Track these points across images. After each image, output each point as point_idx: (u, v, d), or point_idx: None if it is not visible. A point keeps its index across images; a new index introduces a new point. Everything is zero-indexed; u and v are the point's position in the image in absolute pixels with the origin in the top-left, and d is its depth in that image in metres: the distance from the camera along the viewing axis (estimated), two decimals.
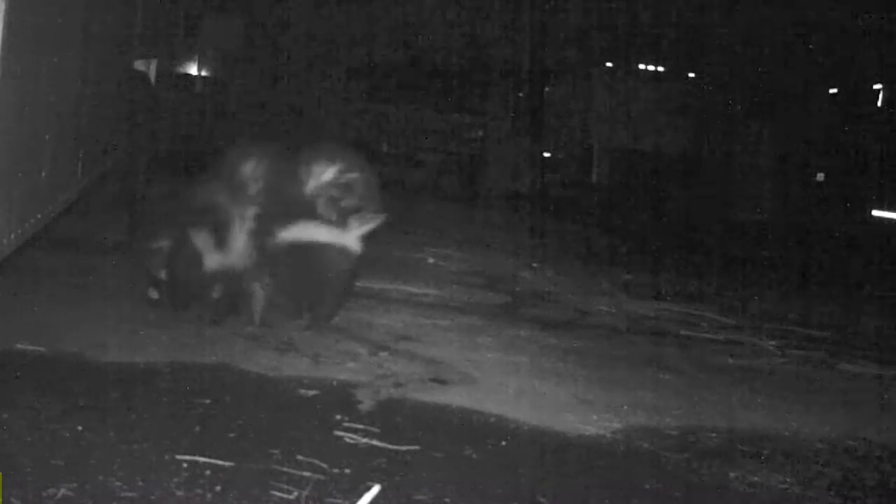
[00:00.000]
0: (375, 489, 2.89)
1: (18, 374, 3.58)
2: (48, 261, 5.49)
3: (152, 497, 2.66)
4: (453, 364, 4.65)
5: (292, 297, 4.98)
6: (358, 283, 5.75)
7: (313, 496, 2.81)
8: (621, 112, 20.35)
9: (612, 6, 20.18)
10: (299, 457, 3.08)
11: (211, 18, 18.91)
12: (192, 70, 19.95)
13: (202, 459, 2.94)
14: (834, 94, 19.39)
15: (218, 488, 2.77)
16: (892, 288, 9.39)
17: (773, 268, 10.50)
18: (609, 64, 21.09)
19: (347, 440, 3.35)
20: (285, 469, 2.97)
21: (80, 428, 3.04)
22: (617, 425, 3.96)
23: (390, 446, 3.32)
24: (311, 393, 3.86)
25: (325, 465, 3.04)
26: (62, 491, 2.60)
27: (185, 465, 2.90)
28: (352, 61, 21.00)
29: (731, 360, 5.59)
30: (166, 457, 2.94)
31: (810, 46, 18.58)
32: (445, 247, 8.99)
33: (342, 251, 4.90)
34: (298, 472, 2.96)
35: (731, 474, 3.54)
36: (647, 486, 3.31)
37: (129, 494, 2.65)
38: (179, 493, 2.71)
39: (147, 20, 9.10)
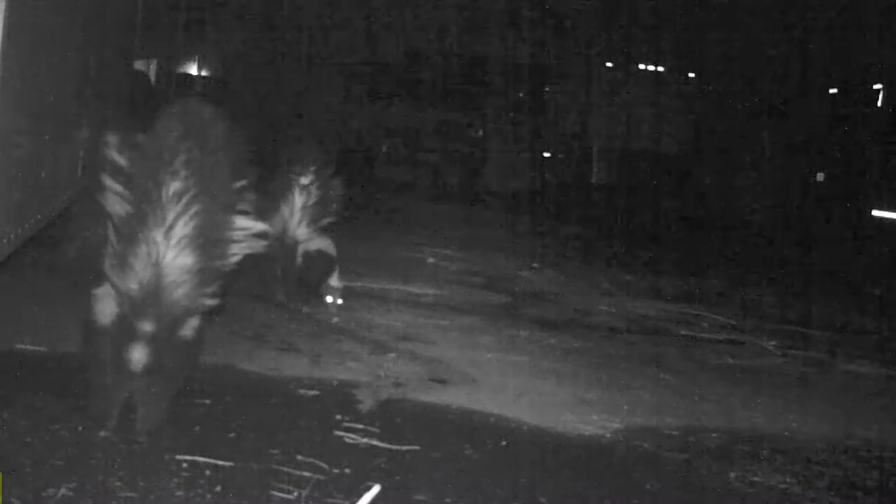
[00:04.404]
0: (375, 489, 2.89)
1: (18, 374, 3.58)
2: (48, 260, 5.49)
3: (152, 497, 2.66)
4: (453, 364, 4.65)
5: None
6: (358, 283, 5.77)
7: (313, 496, 2.81)
8: (621, 112, 20.36)
9: (612, 6, 20.18)
10: (299, 457, 3.08)
11: (211, 19, 18.93)
12: (192, 70, 19.96)
13: (202, 459, 2.94)
14: (834, 94, 19.39)
15: (218, 488, 2.77)
16: (891, 288, 9.39)
17: (773, 267, 10.50)
18: (609, 64, 21.10)
19: (347, 440, 3.35)
20: (285, 469, 2.97)
21: (80, 428, 3.04)
22: (617, 425, 3.96)
23: (390, 446, 3.32)
24: (311, 393, 3.86)
25: (325, 465, 3.04)
26: (62, 491, 2.60)
27: (185, 465, 2.90)
28: (351, 61, 21.01)
29: (731, 360, 5.59)
30: (166, 457, 2.94)
31: (810, 45, 18.57)
32: (445, 247, 8.99)
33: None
34: (298, 472, 2.96)
35: (731, 474, 3.54)
36: (647, 486, 3.31)
37: (129, 494, 2.65)
38: (179, 493, 2.71)
39: (147, 21, 9.10)
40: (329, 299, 5.40)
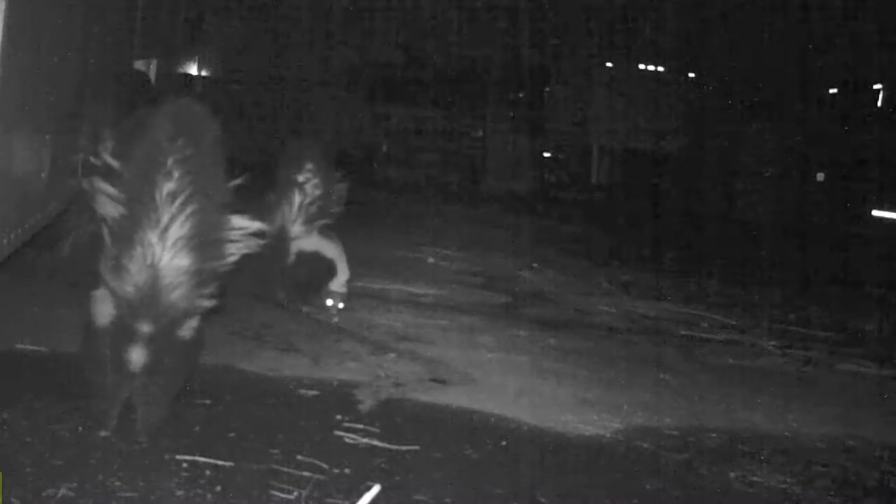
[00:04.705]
0: (375, 489, 2.89)
1: (18, 374, 3.58)
2: (48, 261, 5.49)
3: (152, 497, 2.66)
4: (453, 364, 4.65)
5: None
6: (358, 283, 5.75)
7: (313, 496, 2.81)
8: (621, 112, 20.35)
9: (612, 6, 20.17)
10: (299, 457, 3.08)
11: (211, 19, 18.92)
12: (192, 70, 19.95)
13: (202, 459, 2.94)
14: (834, 94, 19.39)
15: (218, 488, 2.77)
16: (891, 288, 9.39)
17: (773, 268, 10.49)
18: (609, 64, 21.09)
19: (347, 440, 3.35)
20: (285, 469, 2.97)
21: (80, 428, 3.04)
22: (617, 425, 3.96)
23: (390, 446, 3.32)
24: (311, 393, 3.86)
25: (325, 465, 3.04)
26: (62, 491, 2.60)
27: (185, 465, 2.90)
28: (351, 61, 21.00)
29: (731, 360, 5.59)
30: (166, 457, 2.94)
31: (810, 45, 18.57)
32: (445, 247, 8.99)
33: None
34: (298, 472, 2.96)
35: (731, 474, 3.54)
36: (647, 486, 3.31)
37: (129, 494, 2.65)
38: (179, 493, 2.71)
39: (147, 21, 9.10)
40: (330, 302, 5.34)
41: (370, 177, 15.84)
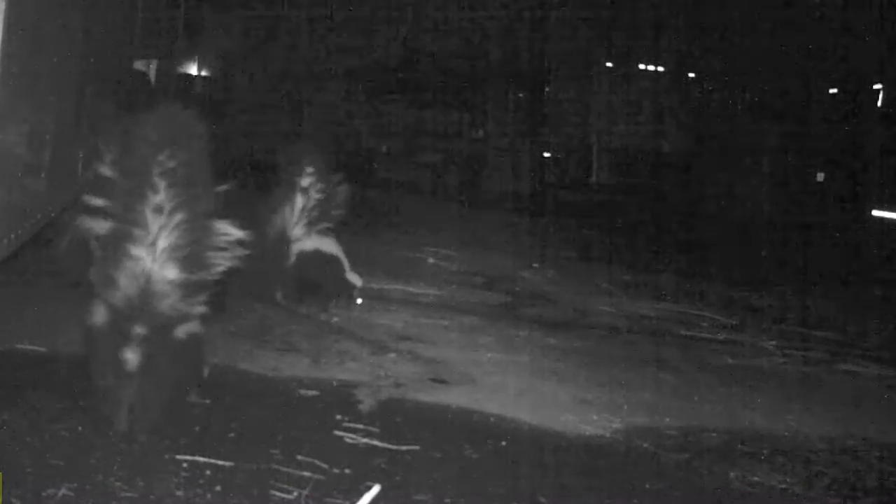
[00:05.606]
0: (375, 489, 2.89)
1: (18, 374, 3.58)
2: (48, 261, 5.48)
3: (152, 497, 2.66)
4: (453, 364, 4.65)
5: None
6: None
7: (313, 496, 2.81)
8: (621, 112, 20.36)
9: (612, 6, 20.17)
10: (299, 457, 3.08)
11: (211, 19, 18.94)
12: (192, 70, 19.96)
13: (202, 459, 2.94)
14: (834, 94, 19.39)
15: (218, 488, 2.77)
16: (891, 288, 9.39)
17: (772, 267, 10.49)
18: (609, 64, 21.11)
19: (347, 440, 3.35)
20: (285, 469, 2.97)
21: (80, 428, 3.04)
22: (617, 425, 3.96)
23: (390, 446, 3.32)
24: (311, 393, 3.87)
25: (325, 465, 3.04)
26: (62, 491, 2.60)
27: (185, 465, 2.90)
28: (351, 61, 21.01)
29: (731, 360, 5.59)
30: (166, 457, 2.94)
31: (810, 45, 18.57)
32: (445, 247, 8.98)
33: None
34: (298, 472, 2.96)
35: (731, 474, 3.54)
36: (647, 486, 3.31)
37: (129, 494, 2.65)
38: (179, 493, 2.71)
39: (146, 20, 9.09)
40: (356, 294, 5.40)
41: (371, 176, 15.85)
